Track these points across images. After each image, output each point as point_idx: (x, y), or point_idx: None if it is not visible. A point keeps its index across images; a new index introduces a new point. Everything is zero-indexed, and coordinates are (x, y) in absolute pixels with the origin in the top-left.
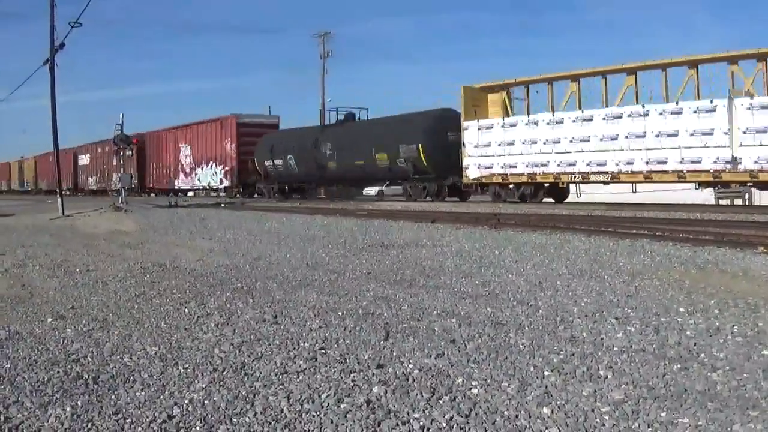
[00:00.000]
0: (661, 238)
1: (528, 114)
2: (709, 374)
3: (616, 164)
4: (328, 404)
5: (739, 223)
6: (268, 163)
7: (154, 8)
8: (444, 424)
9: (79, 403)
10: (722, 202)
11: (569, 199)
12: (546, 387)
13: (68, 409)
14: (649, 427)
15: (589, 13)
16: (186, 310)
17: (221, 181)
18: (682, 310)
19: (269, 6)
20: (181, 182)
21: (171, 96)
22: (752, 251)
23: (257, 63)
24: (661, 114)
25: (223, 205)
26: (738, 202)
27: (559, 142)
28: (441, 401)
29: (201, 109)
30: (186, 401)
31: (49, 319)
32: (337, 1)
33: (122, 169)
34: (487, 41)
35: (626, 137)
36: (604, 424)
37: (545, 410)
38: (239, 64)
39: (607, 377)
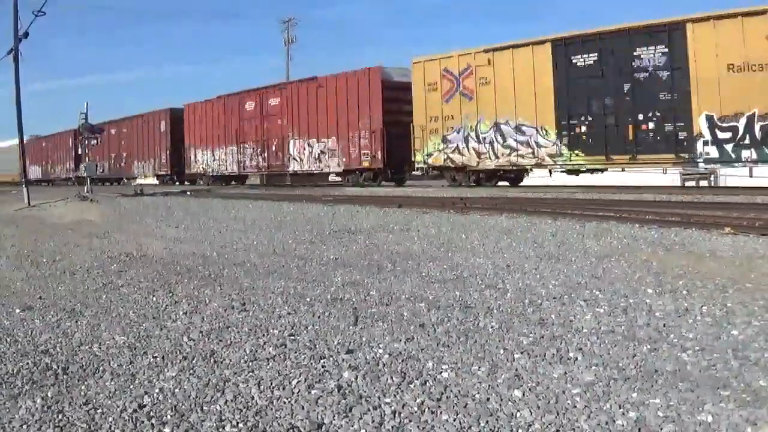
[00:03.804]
0: (627, 220)
1: None
2: (679, 355)
3: None
4: (299, 390)
5: (705, 205)
6: None
7: None
8: (415, 409)
9: (49, 394)
10: (688, 183)
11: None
12: (516, 370)
13: (38, 401)
14: (620, 408)
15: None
16: (154, 298)
17: None
18: (650, 291)
19: None
20: None
21: (137, 83)
22: (719, 232)
23: (223, 49)
24: None
25: (189, 192)
26: (703, 183)
27: None
28: (412, 385)
29: (167, 95)
30: (156, 390)
31: (17, 310)
32: None
33: (87, 157)
34: (458, 26)
35: None
36: (575, 406)
37: (516, 393)
38: (204, 50)
39: (577, 359)
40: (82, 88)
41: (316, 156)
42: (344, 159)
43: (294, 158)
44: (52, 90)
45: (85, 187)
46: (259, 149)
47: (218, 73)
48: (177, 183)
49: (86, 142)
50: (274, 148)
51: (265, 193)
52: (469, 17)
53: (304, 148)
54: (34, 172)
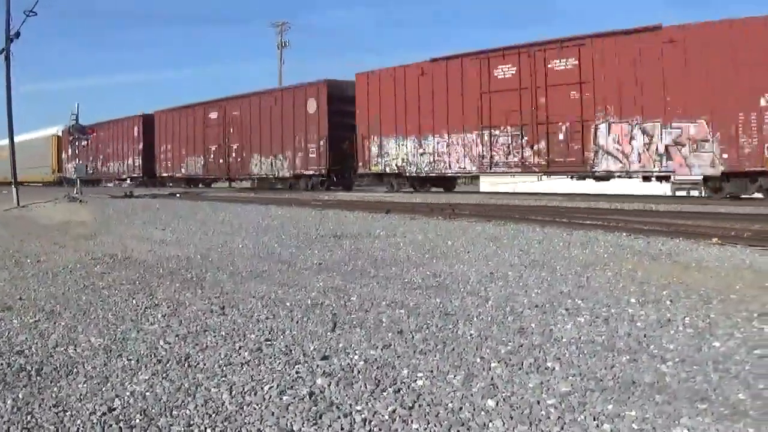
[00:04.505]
0: (615, 229)
1: None
2: (658, 366)
3: None
4: (270, 396)
5: (694, 215)
6: None
7: None
8: (386, 417)
9: (20, 395)
10: (678, 193)
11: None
12: (492, 379)
13: (9, 402)
14: (594, 420)
15: (557, 4)
16: (134, 301)
17: None
18: (633, 301)
19: None
20: None
21: (131, 86)
22: (706, 242)
23: (217, 53)
24: None
25: (178, 195)
26: (694, 193)
27: None
28: (385, 393)
29: (160, 99)
30: (127, 393)
31: None
32: None
33: (77, 158)
34: (451, 31)
35: None
36: (549, 417)
37: (490, 402)
38: (198, 54)
39: (554, 369)
40: (83, 89)
41: (660, 150)
42: (725, 156)
43: (608, 152)
44: (45, 90)
45: (75, 189)
46: (525, 137)
47: (210, 76)
48: (337, 187)
49: (76, 143)
50: (561, 137)
51: (255, 196)
52: (463, 22)
53: (632, 137)
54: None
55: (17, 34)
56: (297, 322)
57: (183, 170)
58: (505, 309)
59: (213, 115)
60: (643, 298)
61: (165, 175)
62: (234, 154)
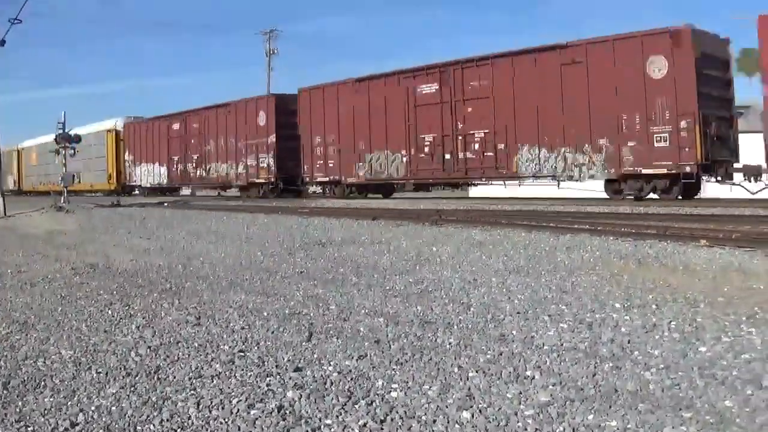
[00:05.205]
0: (602, 233)
1: None
2: (642, 373)
3: None
4: (238, 410)
5: (683, 217)
6: None
7: (101, 5)
8: (356, 431)
9: None
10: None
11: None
12: (469, 389)
13: None
14: (574, 431)
15: (540, 10)
16: (109, 311)
17: None
18: (617, 305)
19: (219, 4)
20: None
21: (118, 94)
22: (694, 245)
23: (204, 61)
24: None
25: (166, 204)
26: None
27: None
28: (357, 406)
29: (150, 106)
30: (93, 408)
31: None
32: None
33: (64, 167)
34: (443, 40)
35: None
36: (526, 428)
37: (465, 414)
38: (186, 62)
39: (534, 378)
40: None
41: None
42: None
43: None
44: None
45: (62, 198)
46: None
47: (201, 83)
48: None
49: (65, 152)
50: None
51: (242, 204)
52: (444, 31)
53: None
54: (150, 174)
55: (2, 42)
56: (272, 332)
57: (361, 173)
58: (486, 316)
59: (427, 89)
60: (628, 303)
61: (324, 179)
62: (477, 146)
